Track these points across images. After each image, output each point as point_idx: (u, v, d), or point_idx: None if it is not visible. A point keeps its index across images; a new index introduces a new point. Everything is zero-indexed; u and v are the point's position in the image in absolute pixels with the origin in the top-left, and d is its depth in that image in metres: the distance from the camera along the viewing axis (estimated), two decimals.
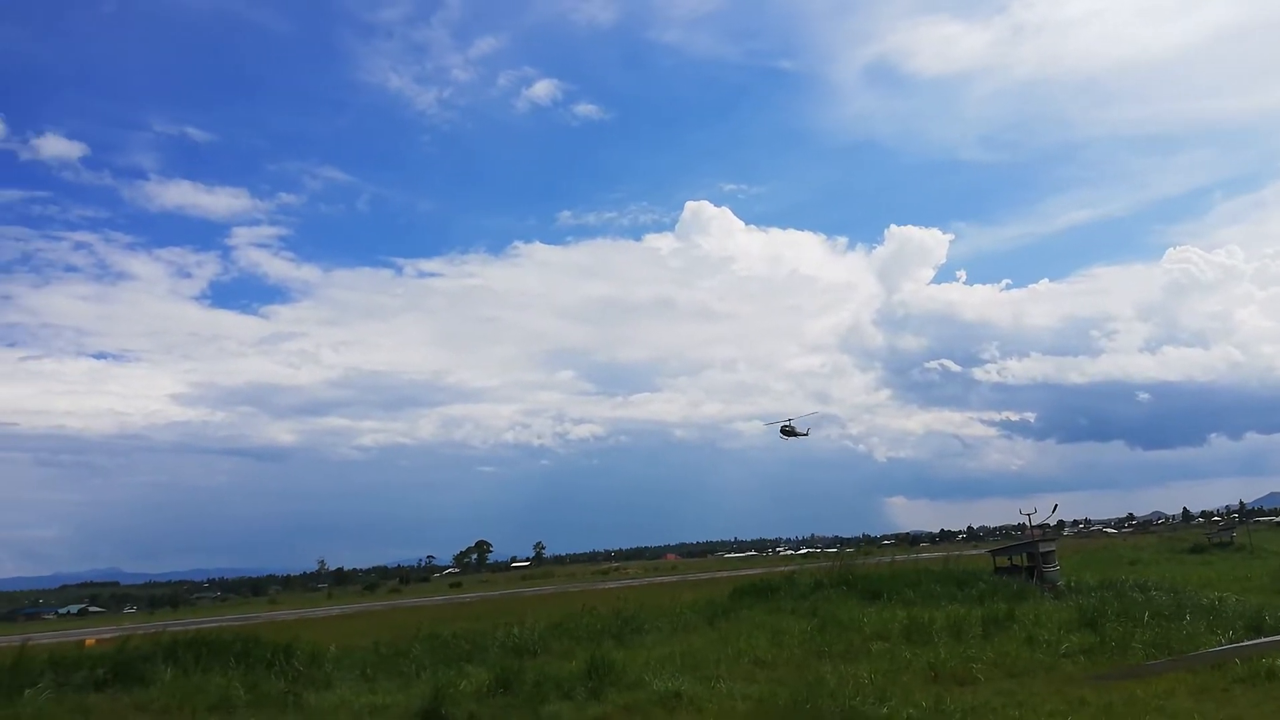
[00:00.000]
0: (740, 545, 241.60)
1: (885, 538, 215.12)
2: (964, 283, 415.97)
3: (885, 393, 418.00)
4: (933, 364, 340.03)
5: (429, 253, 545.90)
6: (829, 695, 14.07)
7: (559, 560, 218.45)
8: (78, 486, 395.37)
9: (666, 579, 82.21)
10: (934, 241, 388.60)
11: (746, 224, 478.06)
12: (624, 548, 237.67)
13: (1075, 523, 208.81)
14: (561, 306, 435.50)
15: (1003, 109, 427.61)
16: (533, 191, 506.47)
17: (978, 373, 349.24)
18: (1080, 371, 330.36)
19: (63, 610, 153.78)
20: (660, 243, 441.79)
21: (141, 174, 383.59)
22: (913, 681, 15.43)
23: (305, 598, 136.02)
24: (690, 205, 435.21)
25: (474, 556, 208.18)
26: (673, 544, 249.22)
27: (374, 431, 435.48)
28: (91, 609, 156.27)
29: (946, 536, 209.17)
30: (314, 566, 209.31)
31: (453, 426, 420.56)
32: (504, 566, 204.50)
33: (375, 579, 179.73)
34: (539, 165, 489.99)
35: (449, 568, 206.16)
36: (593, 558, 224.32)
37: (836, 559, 41.71)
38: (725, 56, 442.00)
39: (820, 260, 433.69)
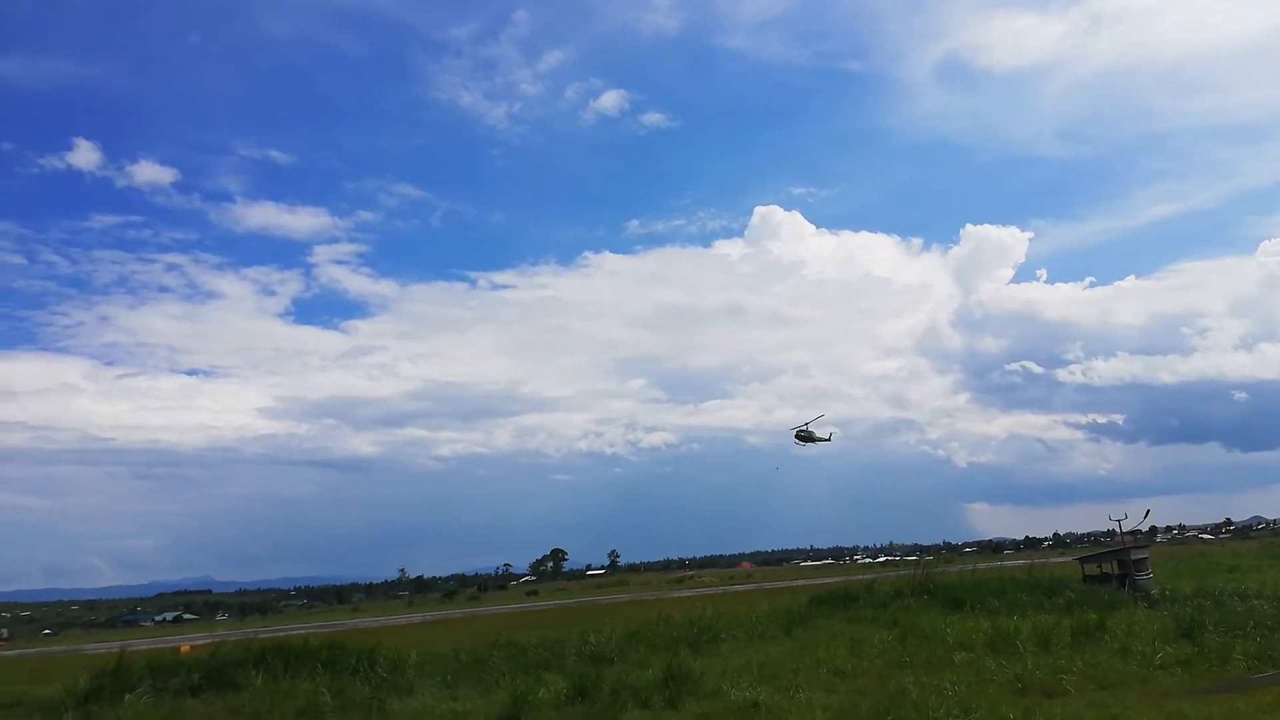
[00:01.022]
0: (816, 553, 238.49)
1: (967, 545, 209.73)
2: (1045, 281, 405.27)
3: (964, 396, 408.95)
4: (1014, 366, 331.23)
5: (501, 265, 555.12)
6: (911, 706, 13.78)
7: (633, 568, 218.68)
8: (173, 498, 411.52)
9: (741, 588, 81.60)
10: (1012, 240, 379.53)
11: (817, 227, 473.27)
12: (698, 556, 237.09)
13: (1168, 528, 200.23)
14: (632, 315, 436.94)
15: (1081, 101, 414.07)
16: (601, 201, 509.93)
17: (1061, 374, 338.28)
18: (1171, 371, 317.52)
19: (159, 617, 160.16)
20: (729, 249, 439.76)
21: (228, 197, 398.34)
22: (998, 693, 14.99)
23: (387, 605, 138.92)
24: (759, 210, 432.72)
25: (550, 564, 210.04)
26: (747, 552, 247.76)
27: (451, 442, 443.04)
28: (186, 616, 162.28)
29: (1031, 544, 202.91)
30: (395, 575, 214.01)
31: (527, 436, 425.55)
32: (579, 574, 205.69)
33: (454, 587, 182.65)
34: (607, 175, 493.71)
35: (526, 576, 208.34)
36: (667, 566, 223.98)
37: (916, 567, 40.79)
38: (792, 59, 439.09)
39: (894, 262, 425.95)
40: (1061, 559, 64.26)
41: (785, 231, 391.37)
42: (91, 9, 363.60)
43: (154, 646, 30.21)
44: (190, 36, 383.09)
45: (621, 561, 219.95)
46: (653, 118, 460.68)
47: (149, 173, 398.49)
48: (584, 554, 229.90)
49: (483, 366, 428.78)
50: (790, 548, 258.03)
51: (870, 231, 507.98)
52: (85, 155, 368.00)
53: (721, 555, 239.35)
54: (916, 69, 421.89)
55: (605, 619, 35.35)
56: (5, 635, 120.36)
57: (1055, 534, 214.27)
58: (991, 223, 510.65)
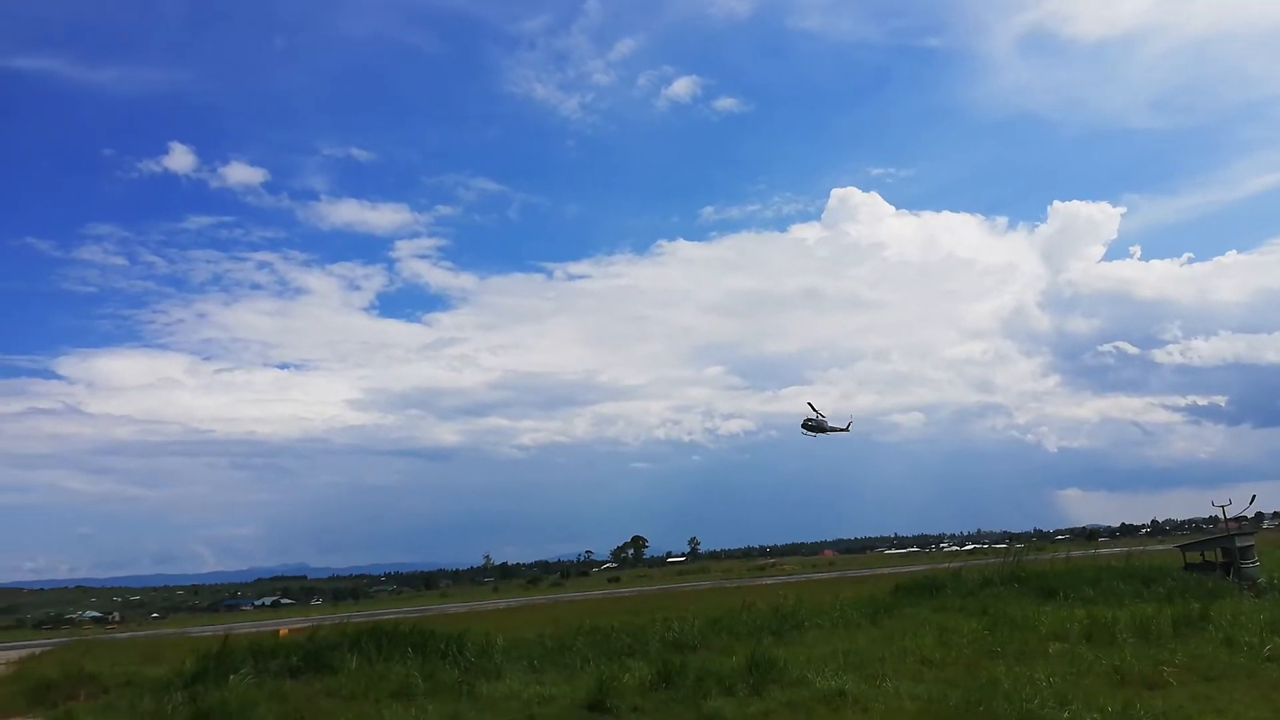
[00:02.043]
0: (900, 541, 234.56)
1: (1059, 532, 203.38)
2: (1139, 259, 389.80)
3: (1054, 379, 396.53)
4: (1107, 347, 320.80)
5: (577, 255, 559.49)
6: (1004, 697, 13.45)
7: (714, 556, 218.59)
8: (269, 487, 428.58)
9: (824, 575, 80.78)
10: (1103, 216, 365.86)
11: (897, 208, 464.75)
12: (779, 543, 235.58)
13: (1276, 514, 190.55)
14: (707, 302, 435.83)
15: (1175, 70, 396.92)
16: (675, 189, 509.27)
17: (1158, 355, 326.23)
18: (1278, 350, 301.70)
19: (258, 602, 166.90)
20: (806, 232, 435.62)
21: (314, 195, 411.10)
22: (1096, 685, 14.51)
23: (473, 591, 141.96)
24: (836, 192, 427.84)
25: (630, 551, 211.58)
26: (829, 540, 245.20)
27: (532, 430, 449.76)
28: (283, 601, 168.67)
29: (1128, 530, 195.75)
30: (480, 561, 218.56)
31: (605, 424, 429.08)
32: (660, 561, 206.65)
33: (537, 573, 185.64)
34: (680, 162, 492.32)
35: (607, 562, 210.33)
36: (747, 553, 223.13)
37: (1006, 555, 39.73)
38: (867, 38, 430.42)
39: (977, 242, 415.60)
40: (1160, 546, 61.79)
41: (863, 213, 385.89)
42: (182, 19, 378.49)
43: (255, 630, 31.48)
44: (274, 40, 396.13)
45: (702, 549, 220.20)
46: (725, 103, 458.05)
47: (240, 174, 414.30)
48: (664, 541, 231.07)
49: (561, 356, 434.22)
50: (873, 535, 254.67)
51: (952, 211, 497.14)
52: (180, 159, 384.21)
53: (803, 542, 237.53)
54: (998, 42, 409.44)
55: (687, 606, 35.41)
56: (117, 618, 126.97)
57: (1153, 520, 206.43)
58: (1081, 199, 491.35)
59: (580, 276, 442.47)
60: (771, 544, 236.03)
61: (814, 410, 67.47)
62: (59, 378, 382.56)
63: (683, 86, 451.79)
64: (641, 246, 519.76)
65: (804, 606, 27.62)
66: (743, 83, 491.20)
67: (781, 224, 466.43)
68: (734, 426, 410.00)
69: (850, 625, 24.72)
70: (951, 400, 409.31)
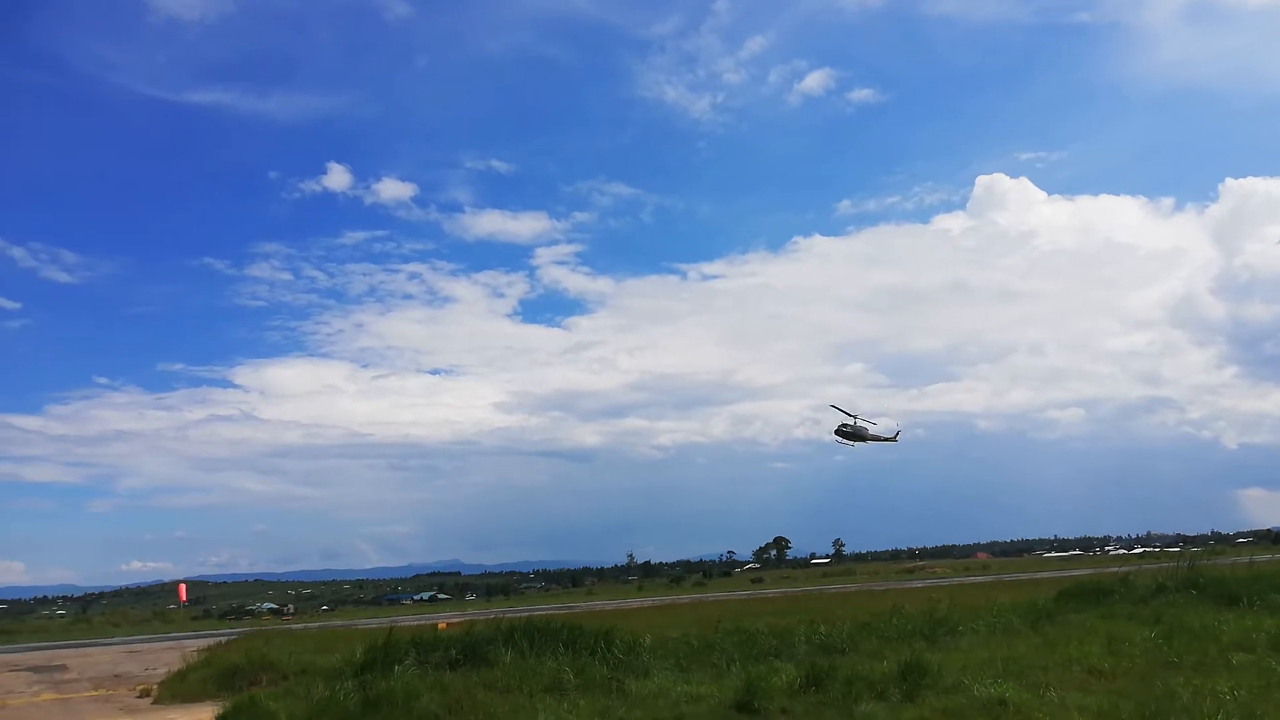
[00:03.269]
0: (1061, 544, 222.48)
1: (1240, 535, 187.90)
2: None
3: (1231, 370, 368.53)
4: None
5: (711, 255, 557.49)
6: (1183, 711, 12.58)
7: (859, 557, 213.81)
8: (424, 487, 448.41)
9: (978, 579, 77.57)
10: None
11: (1049, 194, 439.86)
12: (928, 546, 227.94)
13: None
14: (846, 298, 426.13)
15: None
16: (809, 184, 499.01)
17: None
18: None
19: (417, 597, 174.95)
20: (950, 223, 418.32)
21: (458, 207, 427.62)
22: None
23: (617, 589, 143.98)
24: (982, 180, 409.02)
25: (773, 552, 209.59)
26: (983, 542, 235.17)
27: (670, 431, 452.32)
28: (439, 596, 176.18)
29: None
30: (624, 559, 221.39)
31: (743, 424, 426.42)
32: (803, 563, 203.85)
33: (680, 572, 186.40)
34: (815, 157, 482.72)
35: (749, 563, 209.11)
36: (895, 556, 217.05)
37: (1180, 559, 37.00)
38: (1011, 18, 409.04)
39: (1139, 225, 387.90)
40: None
41: (1012, 200, 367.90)
42: (335, 47, 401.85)
43: (415, 623, 33.06)
44: (418, 61, 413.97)
45: (846, 550, 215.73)
46: (861, 94, 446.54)
47: (392, 189, 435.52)
48: (807, 542, 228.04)
49: (696, 356, 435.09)
50: (1031, 537, 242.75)
51: (1111, 194, 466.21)
52: (337, 177, 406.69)
53: (954, 545, 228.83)
54: (1157, 12, 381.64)
55: (833, 608, 34.79)
56: (291, 610, 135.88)
57: None
58: (1257, 175, 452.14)
59: (714, 276, 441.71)
60: (920, 546, 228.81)
61: (845, 413, 62.30)
62: (235, 387, 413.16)
63: (816, 80, 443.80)
64: (776, 244, 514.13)
65: (958, 611, 26.61)
66: (878, 72, 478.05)
67: (923, 215, 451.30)
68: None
69: (1009, 631, 23.64)
70: (1115, 395, 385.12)
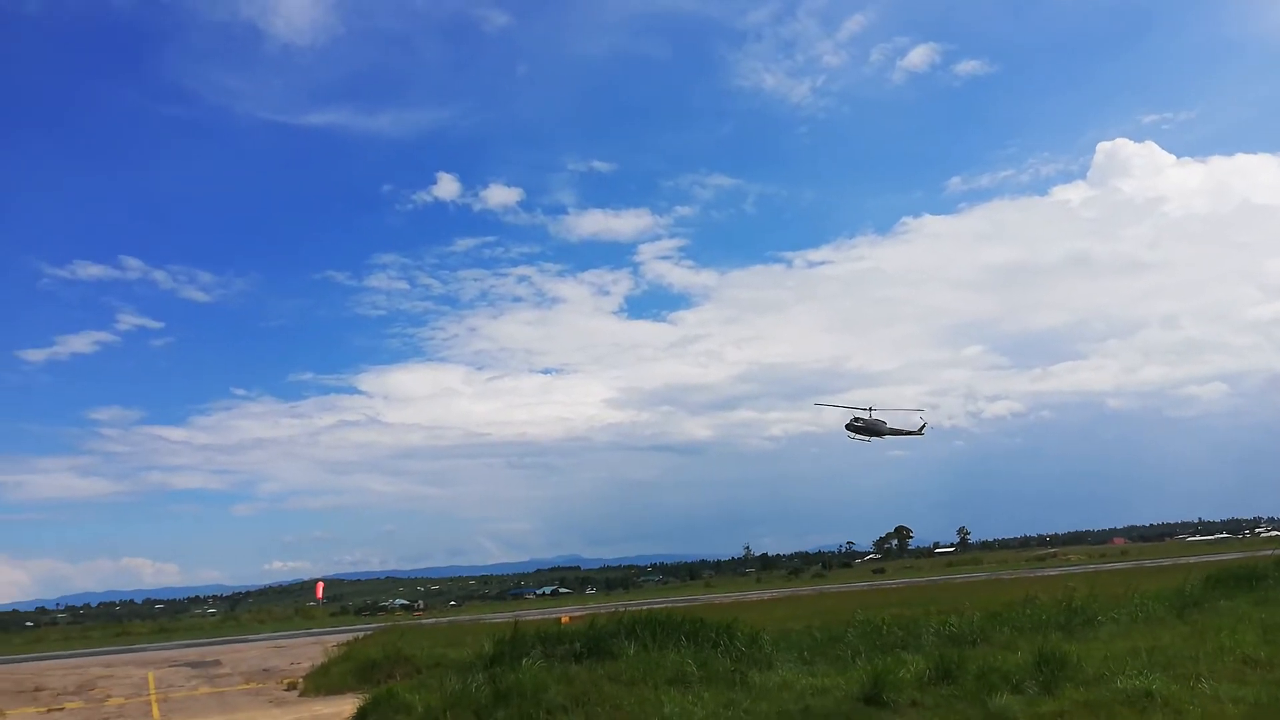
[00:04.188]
0: (1206, 526, 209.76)
1: None
2: None
3: None
4: None
5: (816, 242, 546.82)
6: None
7: (986, 546, 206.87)
8: (540, 484, 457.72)
9: (1116, 566, 73.90)
10: None
11: (1178, 157, 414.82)
12: (1060, 532, 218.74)
13: None
14: (959, 278, 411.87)
15: None
16: (917, 163, 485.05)
17: None
18: None
19: (539, 591, 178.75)
20: (1070, 194, 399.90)
21: (562, 209, 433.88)
22: None
23: (735, 582, 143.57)
24: (1103, 147, 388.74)
25: (894, 542, 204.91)
26: (1119, 527, 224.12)
27: (781, 422, 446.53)
28: (561, 590, 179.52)
29: None
30: (740, 552, 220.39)
31: (857, 412, 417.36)
32: (926, 552, 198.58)
33: (798, 564, 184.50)
34: (921, 134, 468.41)
35: (869, 553, 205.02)
36: (1024, 543, 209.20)
37: None
38: None
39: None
40: None
41: (1137, 166, 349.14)
42: (440, 61, 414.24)
43: (539, 617, 33.80)
44: (518, 68, 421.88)
45: (972, 539, 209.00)
46: (968, 66, 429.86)
47: (499, 195, 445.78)
48: (929, 531, 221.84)
49: (805, 345, 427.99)
50: (1173, 520, 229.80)
51: (1247, 153, 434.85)
52: (447, 187, 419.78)
53: (1089, 531, 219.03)
54: None
55: (961, 598, 33.85)
56: (421, 606, 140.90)
57: None
58: None
59: (820, 263, 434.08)
60: (1051, 533, 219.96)
61: (869, 413, 59.02)
62: (361, 393, 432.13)
63: (919, 55, 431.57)
64: (884, 226, 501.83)
65: (1096, 599, 25.44)
66: (986, 43, 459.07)
67: (1040, 187, 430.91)
68: (1000, 409, 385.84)
69: (1152, 620, 22.48)
70: (1260, 367, 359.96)
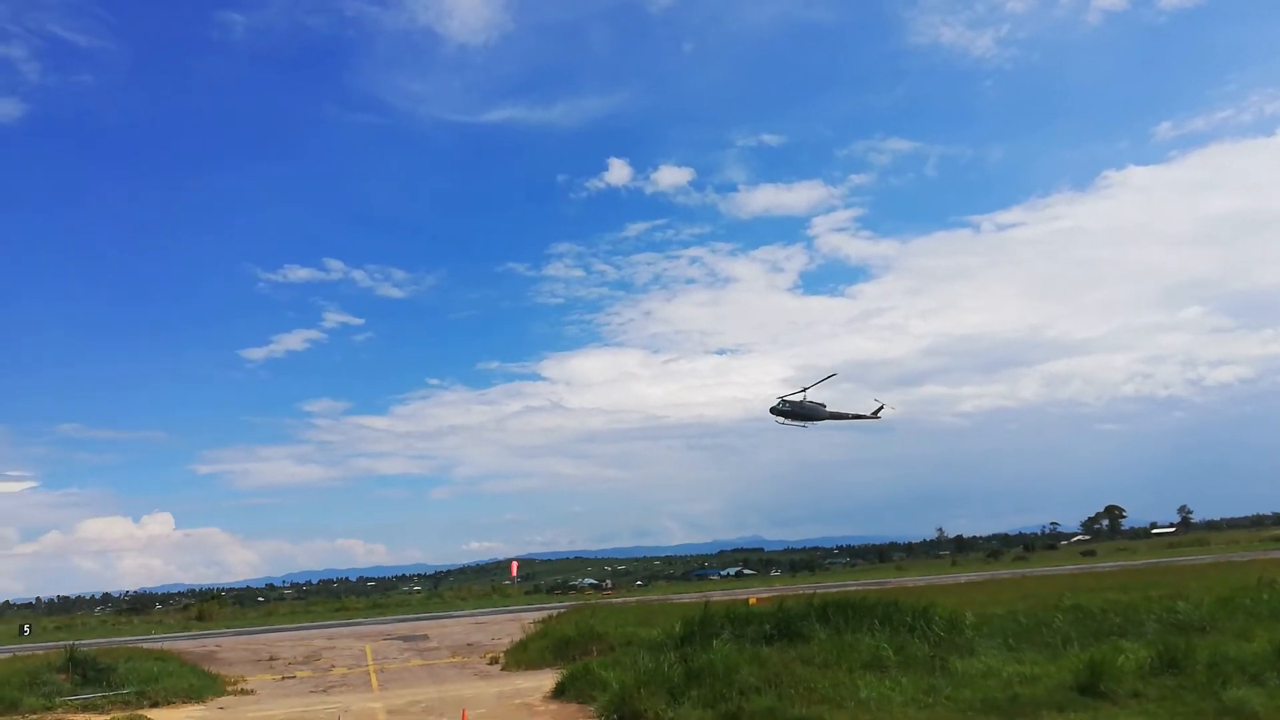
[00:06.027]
0: None
1: None
2: None
3: None
4: None
5: (1006, 203, 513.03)
6: None
7: (1211, 525, 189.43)
8: (720, 465, 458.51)
9: None
10: None
11: None
12: None
13: None
14: (1173, 233, 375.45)
15: None
16: (1118, 110, 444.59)
17: None
18: None
19: (723, 572, 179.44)
20: None
21: (732, 187, 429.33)
22: None
23: (928, 564, 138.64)
24: None
25: (1105, 522, 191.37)
26: None
27: (973, 397, 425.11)
28: (745, 571, 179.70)
29: None
30: (932, 534, 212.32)
31: (1058, 384, 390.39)
32: (1143, 533, 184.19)
33: (996, 546, 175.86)
34: (1122, 79, 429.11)
35: (1076, 534, 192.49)
36: (1258, 522, 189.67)
37: None
38: None
39: None
40: None
41: None
42: (608, 48, 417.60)
43: (726, 598, 33.90)
44: (684, 47, 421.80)
45: (1195, 518, 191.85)
46: None
47: (670, 176, 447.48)
48: (1144, 510, 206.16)
49: (998, 314, 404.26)
50: None
51: None
52: (618, 172, 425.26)
53: None
54: None
55: (1185, 582, 31.18)
56: (609, 585, 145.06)
57: None
58: None
59: (1012, 225, 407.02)
60: None
61: (803, 395, 53.30)
62: (544, 379, 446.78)
63: None
64: (1083, 182, 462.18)
65: None
66: None
67: (1265, 127, 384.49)
68: (1225, 375, 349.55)
69: None
70: None
